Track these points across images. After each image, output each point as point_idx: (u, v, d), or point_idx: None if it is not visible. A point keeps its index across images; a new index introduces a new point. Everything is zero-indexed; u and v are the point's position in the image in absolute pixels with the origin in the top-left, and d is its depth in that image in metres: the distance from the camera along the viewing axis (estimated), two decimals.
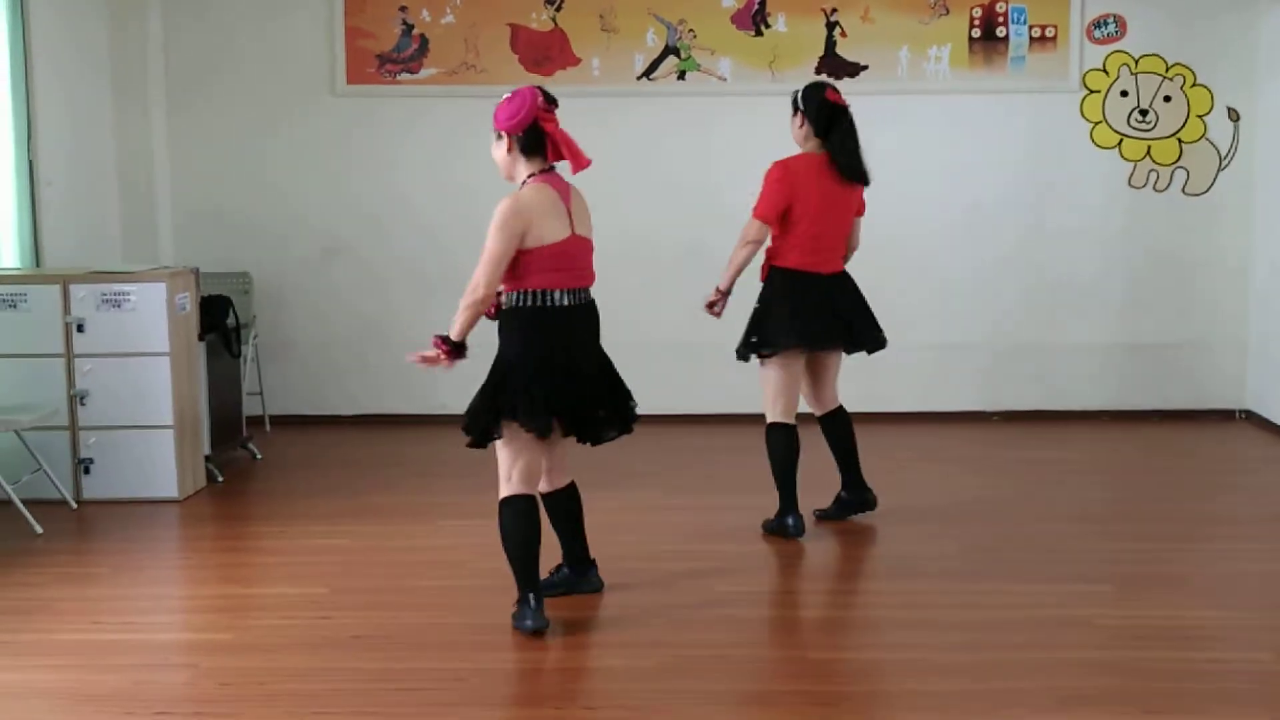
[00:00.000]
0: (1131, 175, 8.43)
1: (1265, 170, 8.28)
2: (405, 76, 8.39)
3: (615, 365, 5.04)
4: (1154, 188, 8.44)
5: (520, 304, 4.79)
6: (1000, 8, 8.29)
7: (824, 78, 6.03)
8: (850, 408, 6.18)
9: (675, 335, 8.34)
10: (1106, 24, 8.34)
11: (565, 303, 4.79)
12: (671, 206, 8.34)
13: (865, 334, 5.98)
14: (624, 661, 4.59)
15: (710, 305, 5.95)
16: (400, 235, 8.54)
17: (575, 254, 4.81)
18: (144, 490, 6.68)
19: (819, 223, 5.80)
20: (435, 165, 8.50)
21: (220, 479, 7.12)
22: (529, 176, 4.80)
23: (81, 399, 6.64)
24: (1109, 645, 4.70)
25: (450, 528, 6.23)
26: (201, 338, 7.08)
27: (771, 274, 5.90)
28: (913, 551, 5.80)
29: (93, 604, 5.24)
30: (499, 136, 4.84)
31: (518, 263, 4.74)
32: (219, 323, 7.35)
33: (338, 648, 4.71)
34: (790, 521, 5.93)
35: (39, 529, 6.13)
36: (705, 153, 8.35)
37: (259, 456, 7.67)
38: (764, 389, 5.97)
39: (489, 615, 5.00)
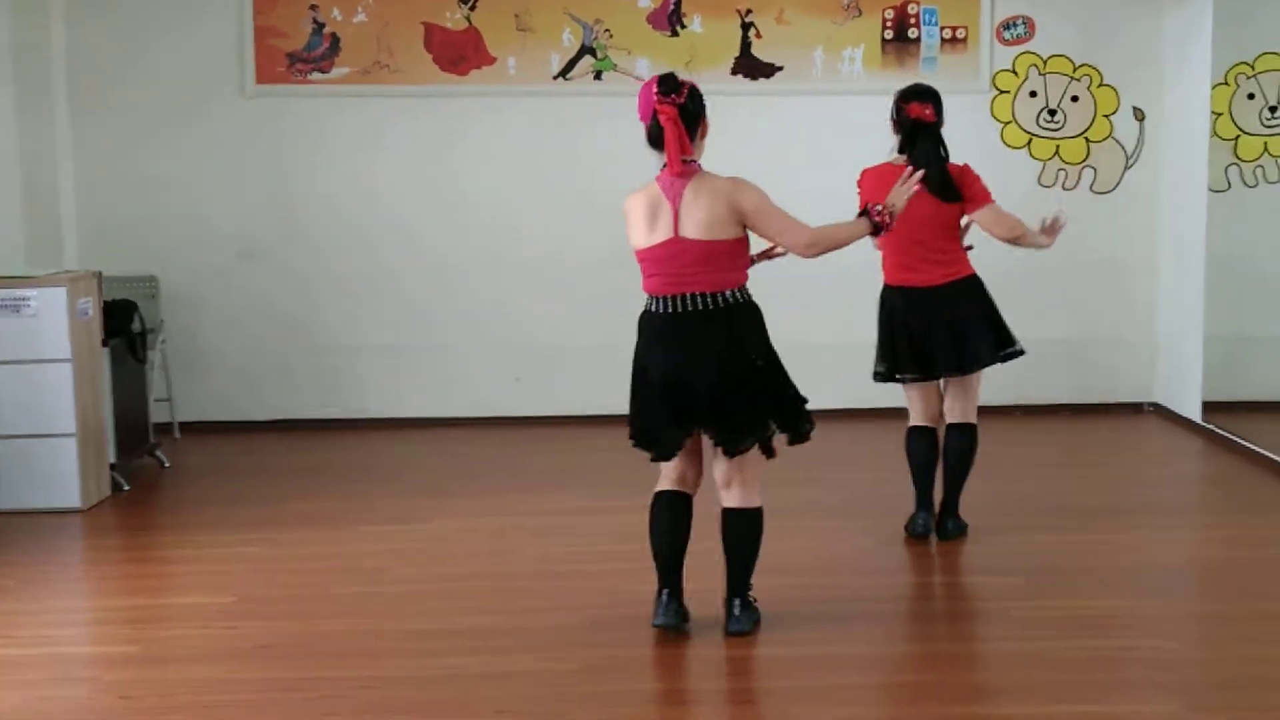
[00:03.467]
0: (1041, 174, 8.53)
1: (1170, 168, 8.43)
2: (316, 76, 8.29)
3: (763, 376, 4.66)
4: (1063, 186, 8.55)
5: (645, 308, 4.69)
6: (912, 9, 8.35)
7: (919, 85, 5.81)
8: None
9: (591, 339, 8.32)
10: (1016, 26, 8.43)
11: (665, 310, 4.58)
12: (588, 207, 8.30)
13: (966, 355, 5.70)
14: (539, 665, 4.55)
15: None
16: (314, 237, 8.44)
17: (674, 258, 4.53)
18: (47, 500, 6.53)
19: (900, 235, 5.53)
20: (348, 165, 8.40)
21: (126, 488, 6.98)
22: (659, 171, 4.63)
23: None
24: (1021, 636, 4.75)
25: (368, 534, 6.15)
26: (105, 343, 6.94)
27: (882, 291, 5.83)
28: (827, 546, 5.83)
29: None
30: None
31: (639, 262, 4.66)
32: (123, 328, 7.22)
33: (244, 658, 4.63)
34: (919, 520, 5.90)
35: None
36: (623, 152, 8.28)
37: (167, 464, 7.53)
38: None
39: (404, 622, 4.95)
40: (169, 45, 8.30)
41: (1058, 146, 8.52)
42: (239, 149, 8.37)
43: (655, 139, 4.59)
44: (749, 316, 4.64)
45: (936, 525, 5.91)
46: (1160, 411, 8.58)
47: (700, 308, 4.56)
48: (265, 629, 4.90)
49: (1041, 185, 8.53)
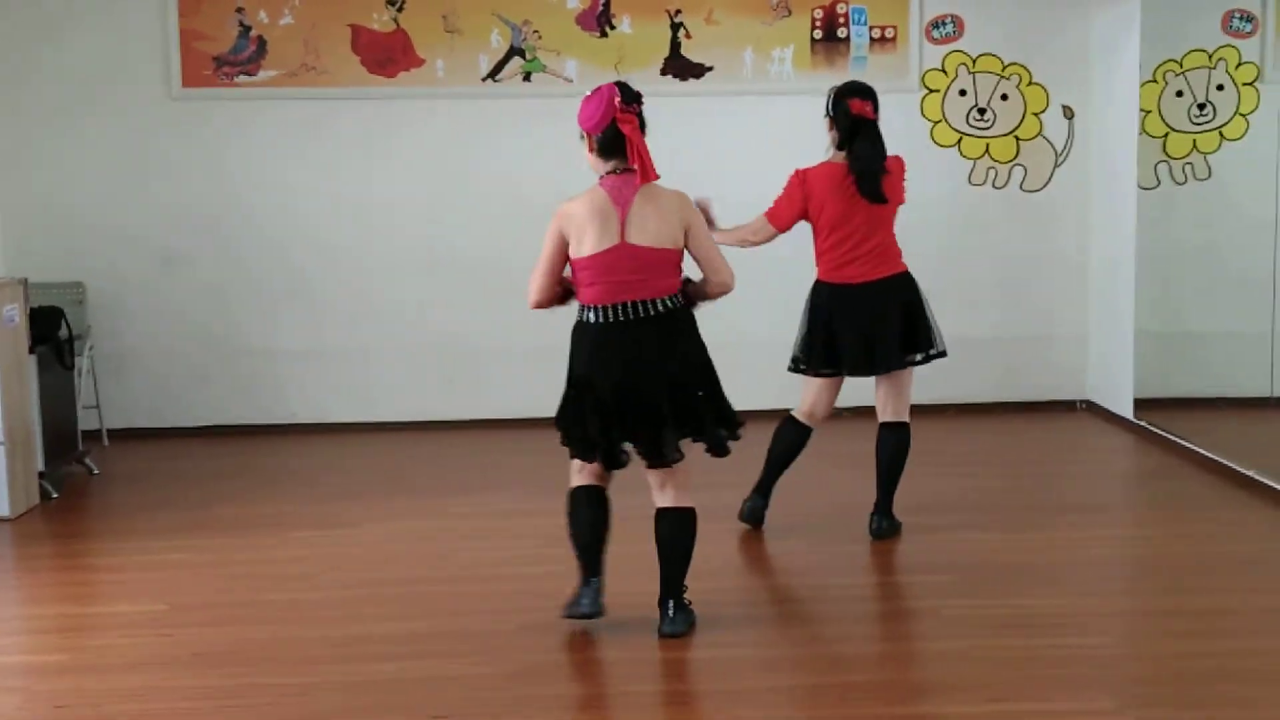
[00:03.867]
0: (971, 173, 8.60)
1: (1099, 165, 8.51)
2: (243, 79, 8.21)
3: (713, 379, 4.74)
4: (993, 185, 8.62)
5: (580, 318, 4.68)
6: (841, 9, 8.40)
7: (856, 82, 5.84)
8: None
9: (520, 342, 8.29)
10: (945, 24, 8.50)
11: (608, 319, 4.58)
12: (517, 209, 8.26)
13: (887, 354, 5.74)
14: (472, 669, 4.53)
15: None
16: (241, 242, 8.35)
17: (623, 262, 4.55)
18: None
19: (840, 232, 5.64)
20: (276, 169, 8.33)
21: (55, 495, 6.88)
22: (600, 178, 4.64)
23: None
24: (954, 635, 4.76)
25: (298, 539, 6.10)
26: (32, 350, 6.85)
27: (814, 287, 5.83)
28: (758, 548, 5.84)
29: None
30: (581, 137, 4.66)
31: (575, 272, 4.62)
32: (50, 334, 7.12)
33: (177, 665, 4.58)
34: (748, 503, 5.96)
35: None
36: (551, 153, 8.29)
37: (95, 471, 7.43)
38: None
39: (336, 628, 4.91)
40: (93, 49, 8.19)
41: (988, 145, 8.60)
42: (165, 153, 8.27)
43: (611, 147, 4.60)
44: (688, 321, 4.72)
45: (871, 524, 5.92)
46: (1092, 409, 8.66)
47: (645, 314, 4.59)
48: (198, 636, 4.85)
49: (972, 184, 8.60)
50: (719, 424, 4.71)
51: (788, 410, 6.04)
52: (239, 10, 8.17)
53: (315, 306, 8.34)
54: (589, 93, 4.69)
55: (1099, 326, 8.59)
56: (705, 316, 4.82)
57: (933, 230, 8.57)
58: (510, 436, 8.12)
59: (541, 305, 4.74)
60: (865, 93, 5.69)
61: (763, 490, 5.99)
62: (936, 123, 8.55)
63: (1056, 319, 8.74)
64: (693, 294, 4.79)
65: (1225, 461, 6.95)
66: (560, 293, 4.74)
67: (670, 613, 4.74)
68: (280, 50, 8.22)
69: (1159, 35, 7.98)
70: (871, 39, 8.42)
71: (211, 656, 4.67)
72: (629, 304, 4.58)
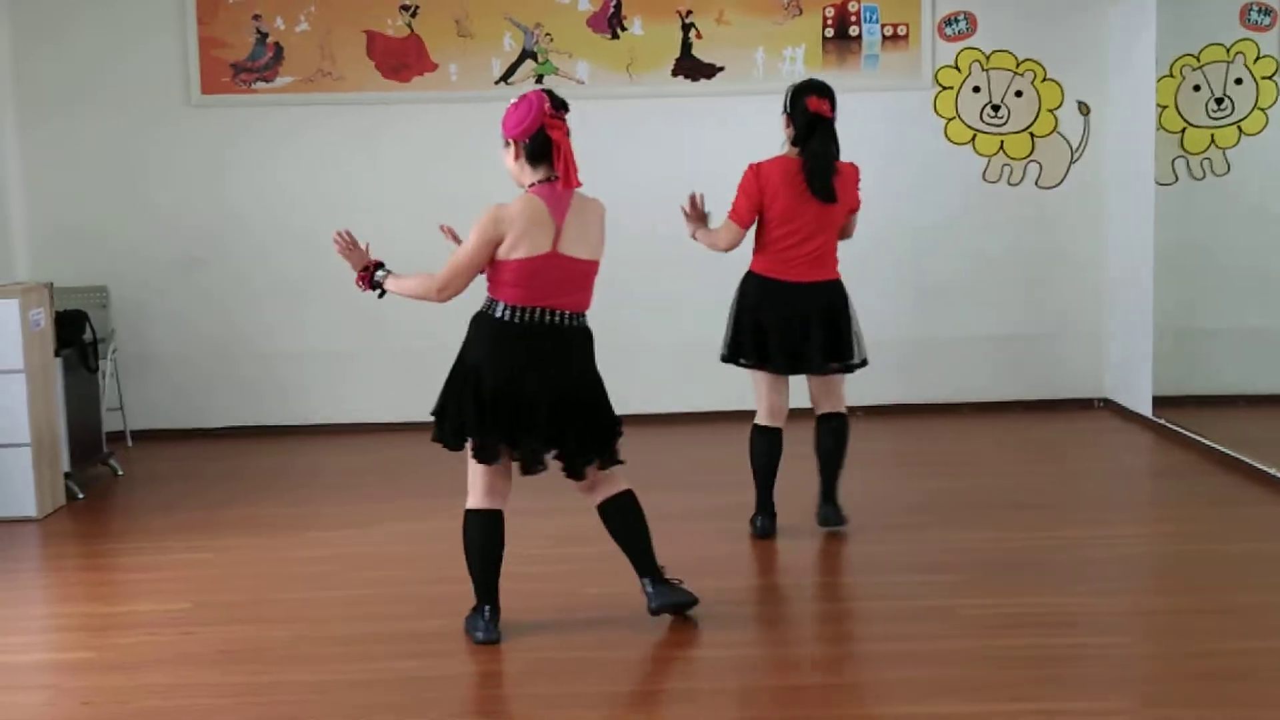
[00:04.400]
0: (986, 170, 8.61)
1: (1115, 161, 8.49)
2: (261, 85, 8.29)
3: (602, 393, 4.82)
4: (1008, 182, 8.63)
5: (489, 311, 4.67)
6: (853, 7, 8.42)
7: (815, 80, 5.85)
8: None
9: None
10: (957, 21, 8.51)
11: (524, 320, 4.61)
12: None
13: (813, 355, 5.75)
14: (487, 667, 4.59)
15: (691, 207, 5.89)
16: (260, 244, 8.43)
17: (551, 272, 4.59)
18: (2, 510, 6.52)
19: (785, 228, 5.66)
20: (293, 172, 8.41)
21: (81, 496, 6.97)
22: (530, 186, 4.66)
23: None
24: (972, 634, 4.76)
25: (318, 539, 6.17)
26: (58, 353, 6.94)
27: (745, 277, 5.83)
28: (772, 546, 5.86)
29: None
30: (506, 144, 4.70)
31: (497, 271, 4.63)
32: (76, 338, 7.20)
33: (201, 663, 4.65)
34: (758, 522, 5.95)
35: None
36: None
37: (120, 472, 7.52)
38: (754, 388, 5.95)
39: (356, 626, 4.97)
40: (115, 57, 8.28)
41: (1002, 142, 8.61)
42: (186, 159, 8.36)
43: (540, 153, 4.63)
44: (588, 339, 4.80)
45: (819, 514, 5.97)
46: (1111, 406, 8.63)
47: (555, 324, 4.65)
48: (220, 634, 4.92)
49: (986, 181, 8.61)
50: (596, 442, 4.76)
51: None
52: (256, 18, 8.26)
53: (335, 308, 8.40)
54: (515, 100, 4.71)
55: (1117, 324, 8.57)
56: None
57: (947, 228, 8.60)
58: None
59: (445, 298, 4.73)
60: (823, 90, 5.70)
61: (765, 507, 5.98)
62: (950, 120, 8.56)
63: (1074, 316, 8.72)
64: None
65: (1244, 459, 6.94)
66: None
67: (649, 588, 4.85)
68: (297, 56, 8.29)
69: (1175, 29, 7.96)
70: (884, 37, 8.44)
71: (234, 654, 4.74)
72: (543, 310, 4.63)
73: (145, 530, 6.41)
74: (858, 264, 8.43)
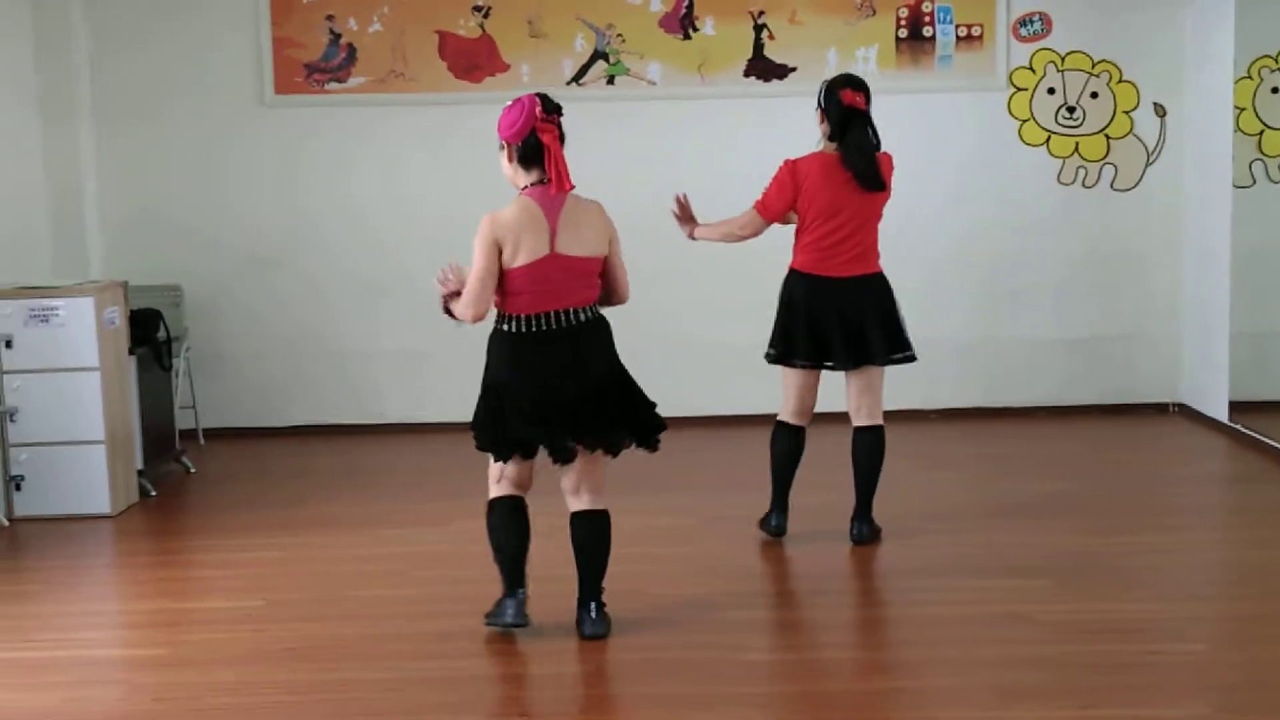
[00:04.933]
0: (1060, 172, 8.51)
1: (1192, 164, 8.38)
2: (334, 86, 8.35)
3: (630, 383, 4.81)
4: (1083, 184, 8.53)
5: (501, 325, 4.69)
6: (926, 7, 8.35)
7: (849, 74, 5.80)
8: None
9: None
10: (1032, 22, 8.42)
11: (536, 328, 4.63)
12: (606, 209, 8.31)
13: (875, 347, 5.69)
14: (559, 668, 4.58)
15: (679, 208, 5.89)
16: (333, 243, 8.49)
17: (554, 274, 4.59)
18: (76, 506, 6.60)
19: (828, 224, 5.61)
20: (365, 172, 8.45)
21: (153, 493, 7.05)
22: (523, 189, 4.68)
23: (11, 416, 6.56)
24: (1048, 640, 4.73)
25: (389, 537, 6.20)
26: (132, 352, 7.02)
27: (788, 275, 5.79)
28: (855, 550, 5.82)
29: (26, 621, 5.19)
30: (501, 146, 4.71)
31: (502, 282, 4.63)
32: (150, 336, 7.29)
33: (272, 661, 4.68)
34: (773, 521, 5.90)
35: None
36: (634, 157, 8.35)
37: (192, 470, 7.60)
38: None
39: (425, 624, 4.99)
40: (190, 57, 8.37)
41: (1077, 144, 8.51)
42: (259, 158, 8.44)
43: (531, 156, 4.64)
44: (605, 328, 4.78)
45: (852, 530, 5.86)
46: (1186, 411, 8.51)
47: (569, 324, 4.65)
48: (291, 632, 4.95)
49: (1061, 183, 8.51)
50: (641, 426, 4.76)
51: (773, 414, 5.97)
52: (329, 18, 8.31)
53: (406, 307, 8.43)
54: (509, 102, 4.71)
55: (1192, 328, 8.46)
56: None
57: (1021, 230, 8.52)
58: None
59: (480, 318, 4.73)
60: (857, 84, 5.65)
61: (780, 505, 5.93)
62: (1024, 121, 8.47)
63: (1149, 320, 8.61)
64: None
65: None
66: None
67: (593, 614, 4.79)
68: (369, 57, 8.34)
69: (1254, 30, 7.82)
70: (957, 37, 8.36)
71: (305, 651, 4.76)
72: (553, 313, 4.63)
73: (217, 527, 6.47)
74: (931, 267, 8.47)
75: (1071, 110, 8.48)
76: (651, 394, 4.86)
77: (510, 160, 4.70)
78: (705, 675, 4.52)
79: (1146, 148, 8.52)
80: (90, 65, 8.32)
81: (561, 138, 4.70)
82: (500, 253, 4.58)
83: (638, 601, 5.09)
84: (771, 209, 5.71)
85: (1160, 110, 8.48)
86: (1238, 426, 7.84)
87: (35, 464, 6.59)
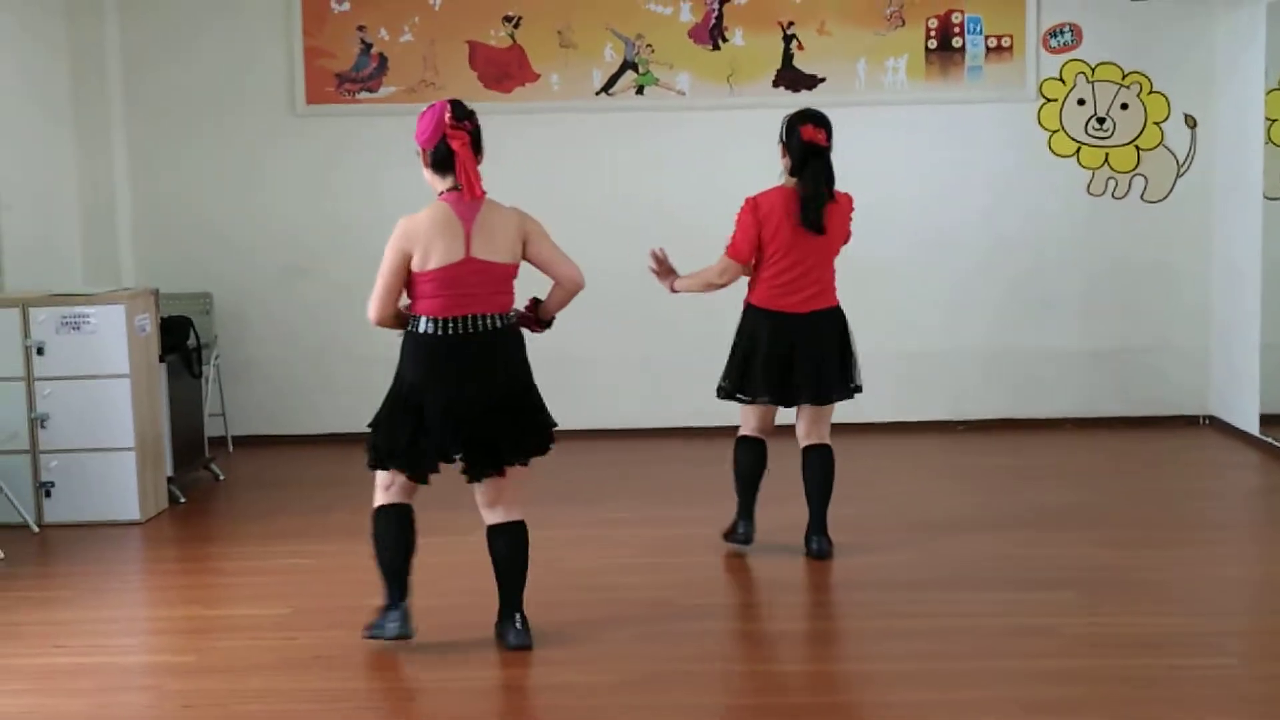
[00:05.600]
0: (1090, 183, 8.49)
1: (1223, 175, 8.35)
2: (365, 95, 8.39)
3: (537, 390, 4.83)
4: (1113, 195, 8.50)
5: (413, 328, 4.70)
6: (956, 18, 8.34)
7: (811, 109, 5.79)
8: None
9: (637, 350, 8.40)
10: (1062, 33, 8.40)
11: (447, 332, 4.63)
12: (629, 221, 8.33)
13: (830, 382, 5.73)
14: (582, 677, 4.58)
15: (657, 264, 5.86)
16: (362, 251, 8.40)
17: (468, 278, 4.61)
18: (106, 513, 6.64)
19: (788, 259, 5.63)
20: (395, 181, 8.44)
21: (183, 500, 7.09)
22: (440, 194, 4.71)
23: (42, 422, 6.61)
24: (1074, 653, 4.71)
25: (417, 545, 6.19)
26: (162, 359, 7.05)
27: (745, 310, 5.80)
28: (878, 561, 5.81)
29: (55, 628, 5.21)
30: (417, 152, 4.75)
31: (415, 284, 4.67)
32: (180, 344, 7.33)
33: (300, 668, 4.70)
34: (740, 529, 5.90)
35: (0, 553, 6.08)
36: (664, 167, 8.37)
37: (221, 477, 7.64)
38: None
39: (453, 634, 4.99)
40: (222, 67, 8.43)
41: (1107, 155, 8.48)
42: (290, 167, 8.49)
43: (443, 162, 4.66)
44: (517, 339, 4.79)
45: (810, 545, 5.84)
46: (1216, 424, 8.47)
47: (480, 329, 4.65)
48: (320, 639, 4.96)
49: (1091, 194, 8.49)
50: (534, 440, 4.77)
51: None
52: (360, 28, 8.36)
53: None
54: (424, 109, 4.73)
55: (1223, 340, 8.41)
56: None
57: (1051, 241, 8.50)
58: (624, 446, 8.20)
59: (383, 323, 4.77)
60: (819, 120, 5.65)
61: (746, 513, 5.92)
62: (1054, 132, 8.45)
63: (1178, 332, 8.57)
64: (545, 310, 4.91)
65: None
66: (397, 313, 4.77)
67: (518, 625, 4.80)
68: (400, 67, 8.38)
69: None
70: (987, 48, 8.35)
71: (332, 660, 4.77)
72: (466, 318, 4.63)
73: (246, 535, 6.51)
74: (960, 277, 8.46)
75: (1101, 121, 8.45)
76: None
77: (426, 165, 4.73)
78: (736, 689, 4.53)
79: (1177, 159, 8.48)
80: (123, 75, 8.39)
81: (475, 144, 4.71)
82: (410, 258, 4.63)
83: (657, 612, 5.09)
84: (742, 251, 5.70)
85: (1191, 122, 8.45)
86: (1269, 439, 7.79)
87: (65, 470, 6.64)
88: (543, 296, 4.95)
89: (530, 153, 8.45)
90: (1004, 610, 5.13)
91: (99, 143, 8.26)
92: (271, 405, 8.60)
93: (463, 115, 4.67)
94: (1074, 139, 8.47)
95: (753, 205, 5.67)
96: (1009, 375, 8.56)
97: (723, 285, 5.80)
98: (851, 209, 5.77)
